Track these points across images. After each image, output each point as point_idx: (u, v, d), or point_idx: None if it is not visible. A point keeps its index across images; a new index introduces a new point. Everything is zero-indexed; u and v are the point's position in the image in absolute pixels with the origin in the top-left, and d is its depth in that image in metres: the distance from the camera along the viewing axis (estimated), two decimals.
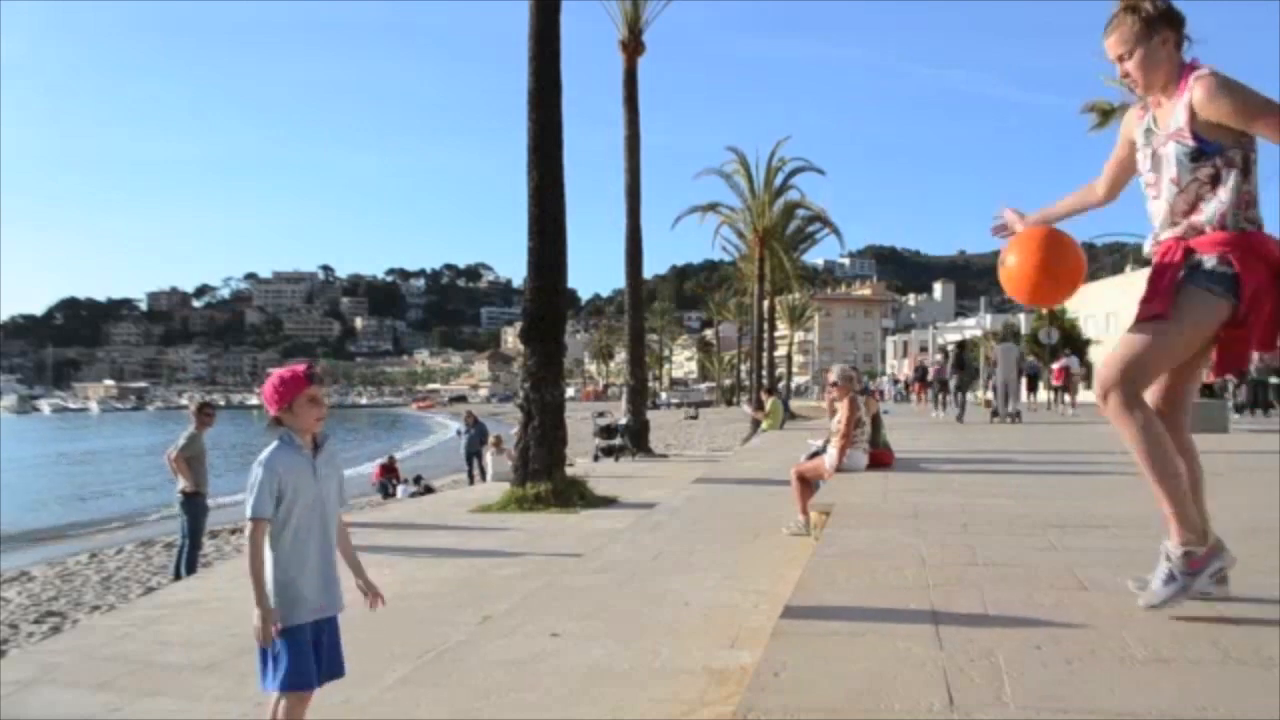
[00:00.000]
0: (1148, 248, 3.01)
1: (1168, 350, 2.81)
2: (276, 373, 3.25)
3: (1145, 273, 2.96)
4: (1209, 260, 2.76)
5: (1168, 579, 2.80)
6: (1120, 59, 2.91)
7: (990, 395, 20.78)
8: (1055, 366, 24.26)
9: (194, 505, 9.36)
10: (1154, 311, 2.81)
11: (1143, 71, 2.88)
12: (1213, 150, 2.77)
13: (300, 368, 3.27)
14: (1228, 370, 2.91)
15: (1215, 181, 2.79)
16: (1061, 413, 22.37)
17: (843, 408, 7.78)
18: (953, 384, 20.45)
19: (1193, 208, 2.82)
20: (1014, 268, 3.19)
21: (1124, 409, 2.77)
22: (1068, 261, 3.17)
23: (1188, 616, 2.79)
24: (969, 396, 20.71)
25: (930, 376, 24.90)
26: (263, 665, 3.12)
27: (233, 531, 13.36)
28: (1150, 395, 2.92)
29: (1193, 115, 2.78)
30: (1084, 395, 20.94)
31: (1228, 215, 2.77)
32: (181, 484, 9.31)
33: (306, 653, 3.12)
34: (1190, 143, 2.79)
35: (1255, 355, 3.02)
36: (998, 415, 18.53)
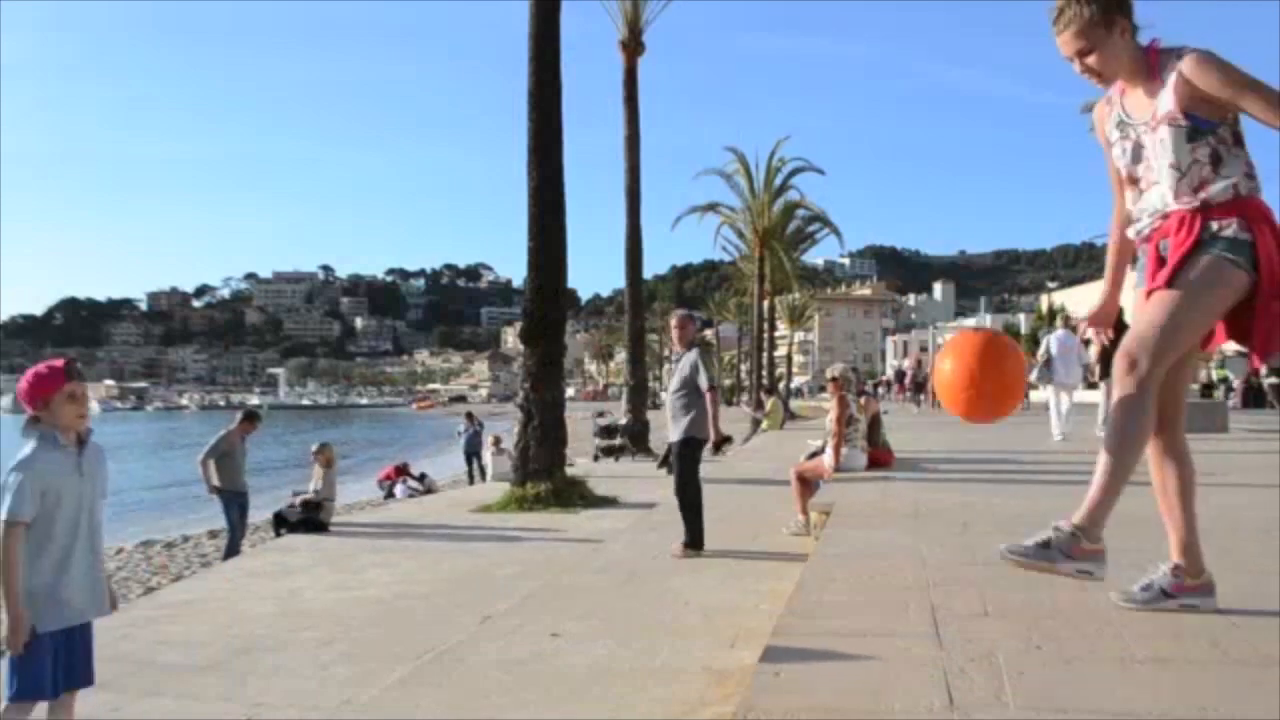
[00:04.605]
0: (1145, 228, 2.83)
1: (1190, 322, 2.68)
2: (32, 369, 3.12)
3: (1142, 262, 2.84)
4: (1228, 228, 2.66)
5: (1042, 544, 2.77)
6: (1079, 54, 2.76)
7: None
8: None
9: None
10: (1165, 279, 2.69)
11: (1105, 65, 2.76)
12: (1207, 127, 2.67)
13: (58, 363, 3.11)
14: (1275, 352, 2.70)
15: (1216, 160, 2.68)
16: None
17: (833, 405, 7.87)
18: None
19: (1198, 189, 2.70)
20: (947, 375, 3.05)
21: (1143, 386, 2.65)
22: (1005, 375, 3.00)
23: (1187, 618, 2.79)
24: None
25: (907, 380, 30.19)
26: (9, 672, 3.00)
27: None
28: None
29: (1182, 95, 2.66)
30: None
31: (1241, 186, 2.68)
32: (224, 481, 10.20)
33: (44, 660, 3.00)
34: (1184, 123, 2.67)
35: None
36: None
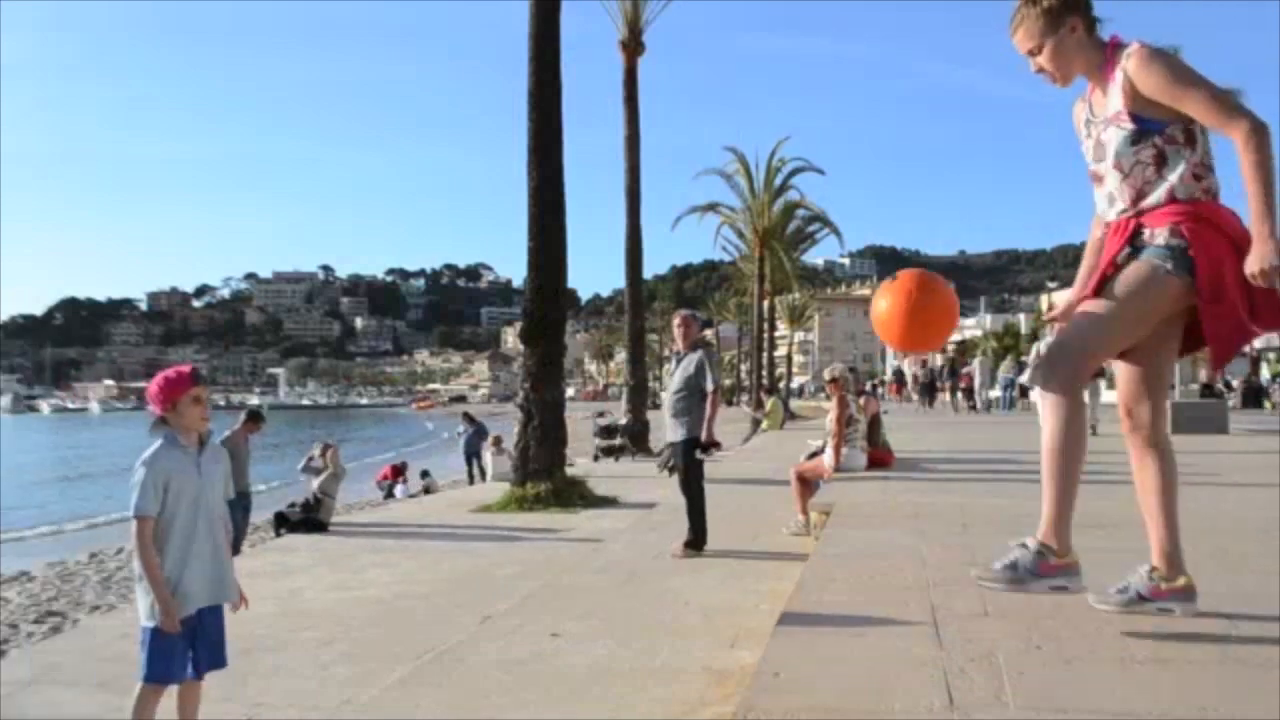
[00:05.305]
0: (1096, 232, 2.88)
1: (1109, 332, 2.66)
2: (161, 373, 3.36)
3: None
4: (1159, 234, 2.61)
5: (1009, 566, 2.72)
6: (1030, 54, 2.77)
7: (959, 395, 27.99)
8: (963, 372, 28.43)
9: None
10: (1089, 291, 2.70)
11: (1055, 64, 2.74)
12: (1153, 129, 2.62)
13: (185, 368, 3.40)
14: (1227, 357, 2.65)
15: (1160, 162, 2.63)
16: (966, 409, 26.21)
17: (833, 405, 7.88)
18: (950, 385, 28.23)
19: (1140, 193, 2.67)
20: (883, 313, 3.17)
21: (1056, 395, 2.65)
22: (936, 305, 3.11)
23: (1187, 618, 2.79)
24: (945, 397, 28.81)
25: (909, 381, 32.45)
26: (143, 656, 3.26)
27: None
28: (1120, 396, 2.78)
29: (1129, 94, 2.62)
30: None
31: (1177, 190, 2.62)
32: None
33: (176, 648, 3.23)
34: (1129, 125, 2.64)
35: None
36: (975, 408, 25.77)
